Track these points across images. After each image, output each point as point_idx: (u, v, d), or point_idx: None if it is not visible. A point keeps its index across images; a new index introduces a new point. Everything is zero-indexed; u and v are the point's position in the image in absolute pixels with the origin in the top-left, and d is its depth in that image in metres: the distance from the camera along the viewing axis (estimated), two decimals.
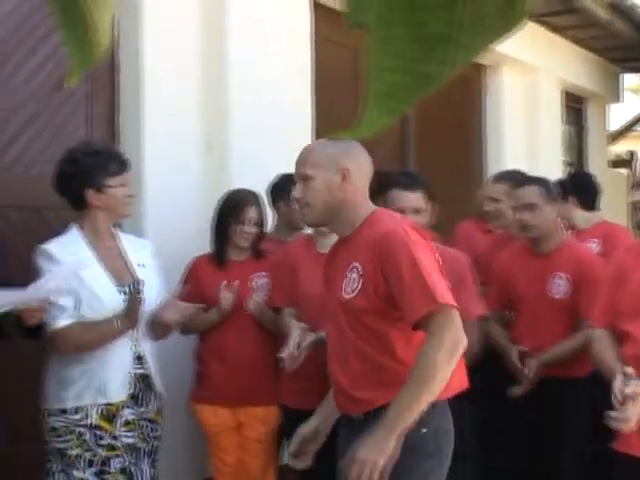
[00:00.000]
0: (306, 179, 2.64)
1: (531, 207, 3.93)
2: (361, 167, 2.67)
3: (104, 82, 4.14)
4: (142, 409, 3.27)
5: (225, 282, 3.74)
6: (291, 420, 3.61)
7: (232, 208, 3.84)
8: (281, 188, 4.10)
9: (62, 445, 3.17)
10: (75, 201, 3.27)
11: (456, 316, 2.43)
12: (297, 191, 2.68)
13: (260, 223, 3.87)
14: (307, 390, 3.52)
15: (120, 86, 4.18)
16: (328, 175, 2.61)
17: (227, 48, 4.43)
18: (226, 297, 3.71)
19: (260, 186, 4.07)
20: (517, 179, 4.34)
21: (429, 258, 2.50)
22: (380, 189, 3.36)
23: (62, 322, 3.10)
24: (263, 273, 3.85)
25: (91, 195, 3.22)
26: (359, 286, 2.56)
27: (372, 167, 2.74)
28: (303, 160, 2.69)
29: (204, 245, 3.99)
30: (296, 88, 4.84)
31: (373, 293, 2.52)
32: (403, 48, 0.67)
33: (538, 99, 7.74)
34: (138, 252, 3.40)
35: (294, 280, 3.67)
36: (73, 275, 3.05)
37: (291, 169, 4.51)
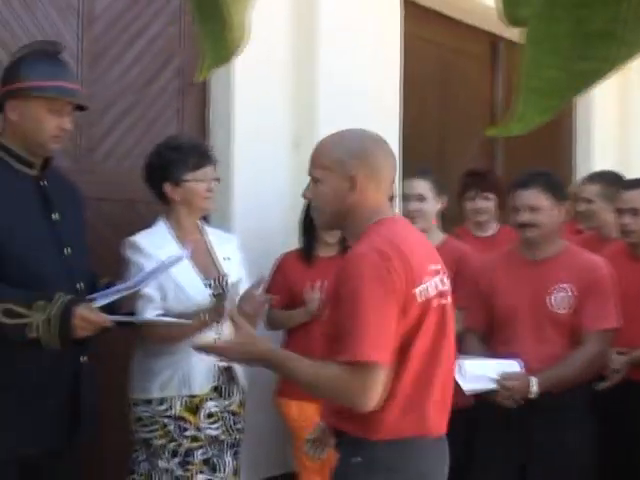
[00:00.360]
0: (315, 181, 2.42)
1: (635, 212, 3.82)
2: (375, 171, 2.36)
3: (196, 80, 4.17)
4: (225, 402, 3.30)
5: (310, 284, 3.76)
6: None
7: None
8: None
9: (147, 435, 3.22)
10: (158, 194, 3.34)
11: (372, 376, 2.17)
12: (308, 191, 2.48)
13: None
14: None
15: (211, 81, 4.22)
16: (336, 180, 2.35)
17: (317, 45, 4.43)
18: (312, 299, 3.73)
19: None
20: (612, 180, 4.27)
21: (378, 301, 2.18)
22: None
23: (149, 313, 3.16)
24: None
25: (170, 189, 3.28)
26: (327, 308, 2.47)
27: (393, 166, 2.47)
28: (313, 159, 2.46)
29: (292, 241, 4.01)
30: (385, 86, 4.82)
31: (329, 318, 2.36)
32: (562, 45, 0.65)
33: (630, 100, 7.56)
34: (224, 246, 3.44)
35: None
36: (171, 267, 3.10)
37: None
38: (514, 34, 6.06)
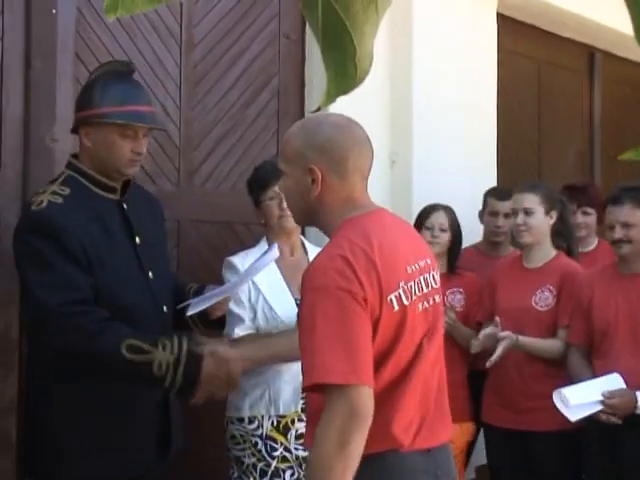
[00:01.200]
0: (284, 175, 2.20)
1: None
2: (337, 162, 2.11)
3: (293, 99, 4.22)
4: None
5: None
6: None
7: (419, 216, 3.93)
8: (484, 199, 4.25)
9: (239, 453, 3.24)
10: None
11: (343, 396, 1.93)
12: (280, 186, 2.27)
13: (451, 231, 3.87)
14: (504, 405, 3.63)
15: (308, 103, 4.25)
16: (297, 174, 2.13)
17: (412, 62, 4.42)
18: None
19: (443, 202, 4.04)
20: None
21: (335, 316, 1.95)
22: None
23: (236, 333, 3.18)
24: (460, 289, 3.85)
25: (255, 211, 3.33)
26: None
27: (364, 154, 2.17)
28: (280, 150, 2.27)
29: None
30: (481, 101, 4.78)
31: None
32: None
33: None
34: None
35: (494, 295, 3.75)
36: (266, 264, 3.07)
37: (471, 182, 4.52)
38: (611, 45, 5.95)
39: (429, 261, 2.20)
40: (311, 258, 3.38)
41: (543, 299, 3.62)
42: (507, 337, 3.46)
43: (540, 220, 3.69)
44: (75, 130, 2.81)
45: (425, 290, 2.14)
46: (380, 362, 2.04)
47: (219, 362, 2.64)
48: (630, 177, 6.21)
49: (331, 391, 1.94)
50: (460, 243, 3.92)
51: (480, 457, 4.24)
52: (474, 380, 3.89)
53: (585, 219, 4.30)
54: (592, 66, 6.18)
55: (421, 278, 2.13)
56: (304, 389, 2.01)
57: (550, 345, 3.58)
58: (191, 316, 2.86)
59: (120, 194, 2.81)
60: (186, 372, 2.56)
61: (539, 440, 3.57)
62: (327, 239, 2.16)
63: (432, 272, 2.19)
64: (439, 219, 3.86)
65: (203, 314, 2.90)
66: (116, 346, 2.50)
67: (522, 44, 5.48)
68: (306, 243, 3.47)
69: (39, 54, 3.33)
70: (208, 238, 3.89)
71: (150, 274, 2.77)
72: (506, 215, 4.12)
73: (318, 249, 3.52)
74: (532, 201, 3.71)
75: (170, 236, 3.45)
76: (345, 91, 0.88)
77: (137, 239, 2.77)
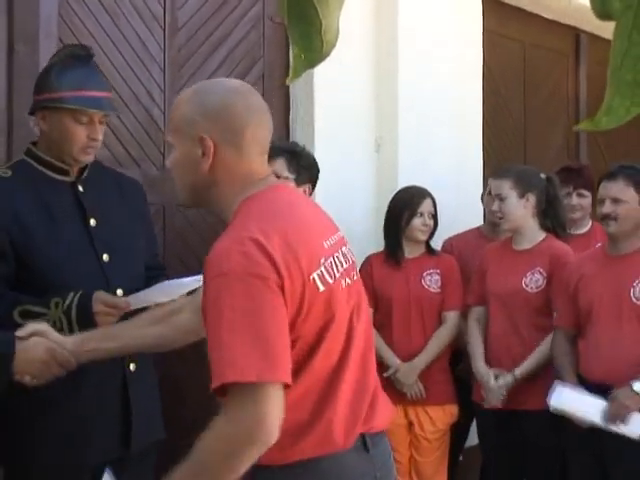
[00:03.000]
0: (170, 147, 1.98)
1: None
2: (233, 132, 1.86)
3: (278, 82, 4.21)
4: None
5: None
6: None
7: (409, 201, 3.87)
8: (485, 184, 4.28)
9: None
10: None
11: (251, 396, 1.69)
12: (167, 161, 2.01)
13: (435, 217, 3.88)
14: None
15: (293, 88, 4.24)
16: (186, 145, 1.89)
17: (397, 45, 4.42)
18: None
19: (429, 184, 4.05)
20: None
21: (245, 305, 1.71)
22: None
23: None
24: (437, 270, 3.86)
25: None
26: None
27: (262, 123, 1.92)
28: (168, 119, 2.06)
29: (374, 242, 4.01)
30: (466, 83, 4.78)
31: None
32: None
33: None
34: None
35: (484, 279, 3.77)
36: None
37: (458, 167, 4.53)
38: (596, 27, 5.95)
39: (340, 235, 2.00)
40: None
41: (534, 281, 3.63)
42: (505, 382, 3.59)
43: (514, 205, 3.69)
44: (32, 113, 2.77)
45: (345, 265, 1.92)
46: (311, 353, 1.83)
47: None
48: (615, 159, 6.24)
49: (241, 391, 1.70)
50: (437, 226, 3.94)
51: (467, 439, 4.27)
52: (455, 360, 3.91)
53: (580, 201, 4.30)
54: (578, 48, 6.18)
55: (339, 253, 1.92)
56: (213, 391, 1.73)
57: (542, 353, 3.60)
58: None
59: (77, 176, 2.75)
60: (79, 318, 2.50)
61: (531, 419, 3.59)
62: None
63: (345, 247, 1.98)
64: (428, 207, 3.86)
65: None
66: (9, 315, 2.49)
67: (507, 26, 5.48)
68: None
69: (22, 38, 3.32)
70: (194, 223, 3.88)
71: (105, 257, 2.69)
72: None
73: None
74: (503, 187, 3.72)
75: (155, 221, 3.44)
76: (312, 65, 0.88)
77: (92, 221, 2.71)
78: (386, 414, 2.02)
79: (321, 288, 1.81)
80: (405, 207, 3.86)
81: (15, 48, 3.30)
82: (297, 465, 1.85)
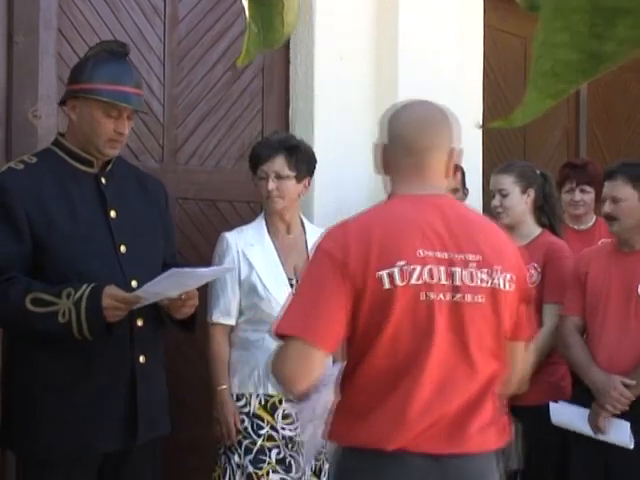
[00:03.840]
0: None
1: None
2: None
3: (278, 77, 4.21)
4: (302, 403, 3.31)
5: None
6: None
7: None
8: None
9: None
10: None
11: (287, 350, 2.05)
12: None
13: None
14: None
15: (293, 80, 4.24)
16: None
17: (397, 43, 4.41)
18: None
19: None
20: None
21: (317, 279, 2.07)
22: None
23: (212, 318, 3.25)
24: None
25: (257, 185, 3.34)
26: None
27: None
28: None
29: None
30: (467, 80, 4.77)
31: None
32: (576, 21, 0.60)
33: None
34: None
35: None
36: (216, 276, 3.10)
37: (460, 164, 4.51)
38: None
39: (478, 257, 2.11)
40: (309, 237, 3.40)
41: (528, 277, 3.63)
42: None
43: (516, 200, 3.70)
44: (63, 102, 2.83)
45: (458, 283, 2.07)
46: (369, 343, 2.05)
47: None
48: (615, 155, 6.24)
49: (285, 342, 2.05)
50: None
51: None
52: None
53: (583, 196, 4.30)
54: None
55: (450, 269, 2.07)
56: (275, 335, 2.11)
57: (543, 339, 3.55)
58: (162, 312, 2.78)
59: (101, 169, 2.81)
60: (88, 311, 2.52)
61: (524, 415, 3.58)
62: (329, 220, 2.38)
63: (481, 269, 2.11)
64: None
65: (168, 315, 2.81)
66: (20, 300, 2.52)
67: (508, 21, 5.46)
68: (305, 222, 3.49)
69: (22, 30, 3.32)
70: (192, 216, 3.88)
71: (122, 248, 2.74)
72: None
73: (317, 229, 3.53)
74: (506, 182, 3.73)
75: None
76: (271, 46, 0.87)
77: (112, 212, 2.76)
78: (492, 439, 2.15)
79: (386, 286, 2.02)
80: None
81: (14, 39, 3.30)
82: (353, 451, 2.10)
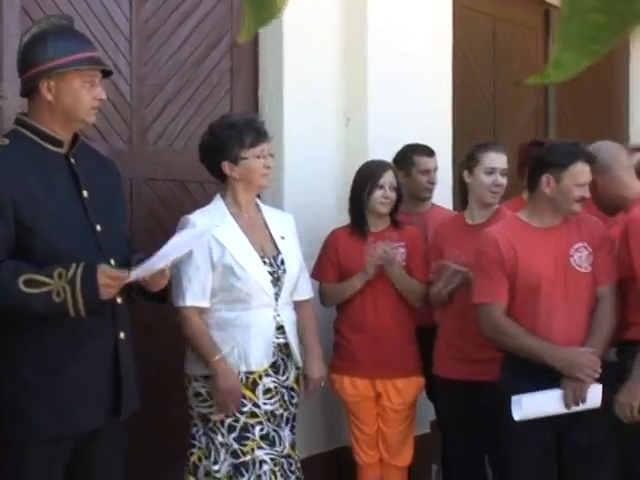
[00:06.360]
0: None
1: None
2: None
3: (247, 56, 4.19)
4: (282, 377, 3.33)
5: (372, 242, 3.77)
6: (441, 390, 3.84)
7: (370, 174, 3.86)
8: (403, 159, 4.18)
9: (206, 410, 3.27)
10: (216, 173, 3.36)
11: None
12: None
13: (398, 189, 3.87)
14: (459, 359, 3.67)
15: (262, 60, 4.22)
16: None
17: (367, 20, 4.40)
18: (370, 264, 3.73)
19: None
20: None
21: None
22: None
23: (185, 302, 3.23)
24: (402, 243, 3.86)
25: (227, 167, 3.30)
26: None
27: None
28: None
29: (342, 218, 4.01)
30: (436, 58, 4.78)
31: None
32: None
33: None
34: (280, 224, 3.46)
35: (442, 257, 3.73)
36: (197, 241, 3.07)
37: (428, 141, 4.53)
38: None
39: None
40: (266, 217, 3.41)
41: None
42: (462, 271, 3.55)
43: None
44: (25, 92, 2.77)
45: None
46: None
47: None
48: (584, 134, 6.29)
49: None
50: (401, 199, 3.93)
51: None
52: (422, 336, 3.93)
53: None
54: (547, 23, 6.20)
55: None
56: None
57: None
58: (133, 287, 2.80)
59: (68, 149, 2.80)
60: (84, 289, 2.54)
61: (496, 390, 3.60)
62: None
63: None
64: (390, 179, 3.85)
65: (143, 288, 2.83)
66: (13, 283, 2.52)
67: (477, 0, 5.48)
68: (259, 203, 3.50)
69: None
70: (161, 196, 3.87)
71: (98, 227, 2.75)
72: (435, 170, 4.26)
73: (271, 208, 3.56)
74: (505, 162, 3.73)
75: None
76: (264, 23, 0.87)
77: (84, 192, 2.76)
78: None
79: None
80: (367, 180, 3.85)
81: None
82: None
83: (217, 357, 3.20)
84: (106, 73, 2.83)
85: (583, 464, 3.25)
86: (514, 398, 3.18)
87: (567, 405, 3.16)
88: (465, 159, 3.79)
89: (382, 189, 3.82)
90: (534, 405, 3.18)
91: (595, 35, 0.69)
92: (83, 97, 2.71)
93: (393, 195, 3.84)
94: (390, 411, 3.89)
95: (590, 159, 3.29)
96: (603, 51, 0.70)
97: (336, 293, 3.84)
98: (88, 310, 2.58)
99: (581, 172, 3.26)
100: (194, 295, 3.23)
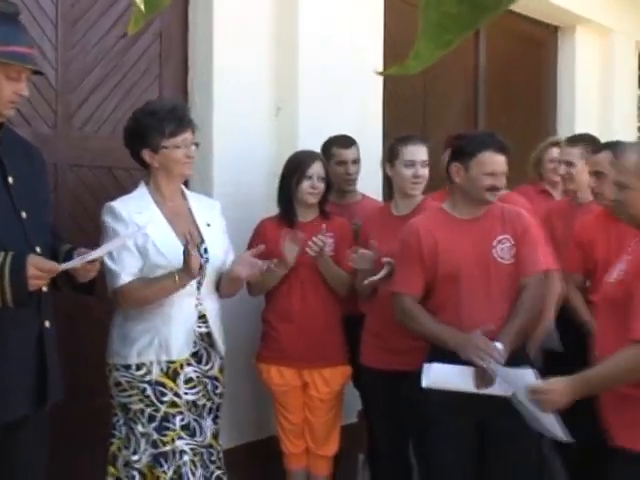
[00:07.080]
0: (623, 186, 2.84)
1: (598, 174, 3.87)
2: None
3: (176, 43, 4.15)
4: (205, 367, 3.32)
5: (287, 230, 3.77)
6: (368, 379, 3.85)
7: (298, 165, 3.87)
8: (324, 150, 4.20)
9: (126, 400, 3.25)
10: (138, 160, 3.33)
11: None
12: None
13: (326, 179, 3.88)
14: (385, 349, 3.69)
15: (192, 47, 4.18)
16: None
17: (298, 8, 4.40)
18: (291, 250, 3.73)
19: None
20: (591, 143, 4.29)
21: None
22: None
23: (123, 279, 3.17)
24: (330, 234, 3.86)
25: (148, 155, 3.28)
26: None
27: None
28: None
29: (272, 207, 4.00)
30: (367, 51, 4.80)
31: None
32: None
33: (612, 61, 7.54)
34: (206, 211, 3.44)
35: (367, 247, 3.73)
36: (132, 238, 3.10)
37: (358, 132, 4.54)
38: None
39: None
40: (191, 204, 3.39)
41: None
42: (389, 262, 3.53)
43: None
44: None
45: None
46: None
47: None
48: (513, 127, 6.38)
49: None
50: (330, 190, 3.95)
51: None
52: (350, 326, 3.95)
53: None
54: None
55: None
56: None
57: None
58: (60, 278, 2.78)
59: None
60: (12, 280, 2.54)
61: (418, 380, 3.62)
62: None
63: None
64: (318, 169, 3.86)
65: (71, 278, 2.83)
66: None
67: None
68: (185, 190, 3.48)
69: None
70: (87, 183, 3.81)
71: (24, 214, 2.72)
72: (353, 162, 4.26)
73: (198, 195, 3.54)
74: (425, 154, 3.80)
75: None
76: (153, 11, 0.86)
77: (10, 179, 2.73)
78: None
79: None
80: (295, 170, 3.86)
81: None
82: None
83: (175, 277, 3.14)
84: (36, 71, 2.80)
85: (505, 451, 3.30)
86: (425, 365, 3.21)
87: (476, 385, 3.18)
88: (387, 152, 3.85)
89: (310, 179, 3.83)
90: (443, 374, 3.20)
91: (448, 25, 0.70)
92: (2, 90, 2.67)
93: (321, 186, 3.85)
94: (317, 400, 3.90)
95: (503, 149, 3.33)
96: (456, 41, 0.71)
97: (261, 282, 3.83)
98: (16, 301, 2.56)
99: (489, 161, 3.29)
100: (129, 272, 3.18)
